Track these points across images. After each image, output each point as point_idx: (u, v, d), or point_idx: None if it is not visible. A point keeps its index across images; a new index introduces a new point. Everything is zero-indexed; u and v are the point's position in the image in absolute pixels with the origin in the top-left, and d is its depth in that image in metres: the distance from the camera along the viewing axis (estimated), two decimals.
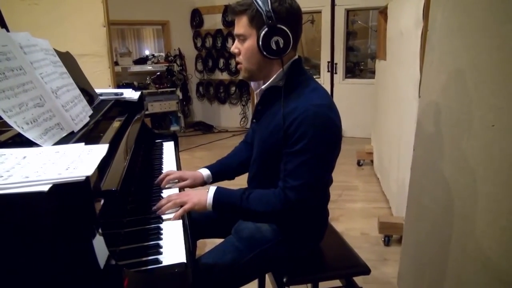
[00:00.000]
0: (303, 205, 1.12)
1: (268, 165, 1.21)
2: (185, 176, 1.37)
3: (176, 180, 1.36)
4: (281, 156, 1.13)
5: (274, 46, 1.09)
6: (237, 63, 1.21)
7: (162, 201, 1.15)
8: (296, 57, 1.19)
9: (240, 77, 1.15)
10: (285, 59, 1.14)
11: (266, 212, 1.13)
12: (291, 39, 1.10)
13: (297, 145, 1.08)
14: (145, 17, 5.39)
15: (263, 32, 1.08)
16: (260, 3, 1.08)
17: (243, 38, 1.15)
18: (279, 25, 1.08)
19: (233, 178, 1.49)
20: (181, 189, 1.34)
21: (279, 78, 1.16)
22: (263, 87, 1.20)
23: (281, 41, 1.09)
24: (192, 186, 1.38)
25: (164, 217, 1.10)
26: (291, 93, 1.14)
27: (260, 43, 1.09)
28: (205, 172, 1.42)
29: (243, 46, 1.15)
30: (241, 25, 1.13)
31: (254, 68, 1.17)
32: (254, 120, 1.31)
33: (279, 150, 1.13)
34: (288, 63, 1.16)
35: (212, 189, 1.16)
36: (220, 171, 1.45)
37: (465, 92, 1.21)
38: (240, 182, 1.57)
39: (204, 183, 1.41)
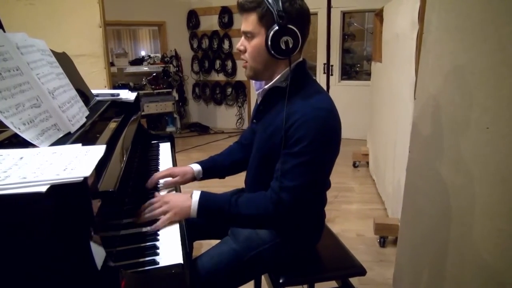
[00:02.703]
0: (296, 208, 1.10)
1: (268, 166, 1.20)
2: (175, 173, 1.35)
3: (165, 179, 1.34)
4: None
5: (283, 46, 1.08)
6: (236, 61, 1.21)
7: (143, 209, 1.10)
8: (301, 59, 1.19)
9: (245, 75, 1.17)
10: (291, 60, 1.13)
11: (258, 216, 1.11)
12: (300, 40, 1.09)
13: (296, 146, 1.07)
14: (141, 18, 5.38)
15: (273, 32, 1.07)
16: (270, 1, 1.06)
17: (250, 35, 1.13)
18: (289, 25, 1.07)
19: (223, 177, 1.47)
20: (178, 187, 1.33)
21: (283, 78, 1.16)
22: (266, 87, 1.19)
23: (290, 41, 1.08)
24: (182, 183, 1.36)
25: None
26: (294, 94, 1.13)
27: (269, 42, 1.08)
28: (196, 168, 1.38)
29: (250, 44, 1.14)
30: (250, 23, 1.11)
31: (259, 67, 1.16)
32: (254, 121, 1.29)
33: (279, 151, 1.12)
34: (293, 64, 1.15)
35: (196, 193, 1.12)
36: (211, 167, 1.42)
37: (460, 94, 1.22)
38: (232, 183, 1.58)
39: (193, 178, 1.38)
